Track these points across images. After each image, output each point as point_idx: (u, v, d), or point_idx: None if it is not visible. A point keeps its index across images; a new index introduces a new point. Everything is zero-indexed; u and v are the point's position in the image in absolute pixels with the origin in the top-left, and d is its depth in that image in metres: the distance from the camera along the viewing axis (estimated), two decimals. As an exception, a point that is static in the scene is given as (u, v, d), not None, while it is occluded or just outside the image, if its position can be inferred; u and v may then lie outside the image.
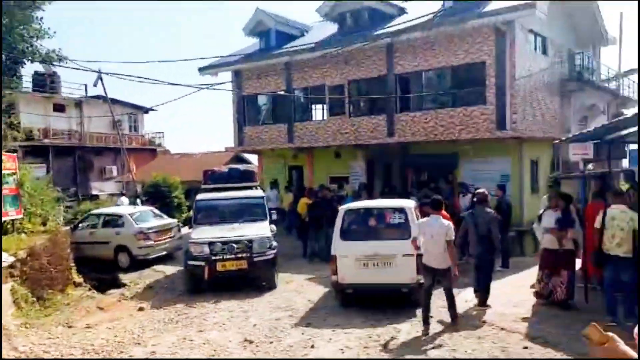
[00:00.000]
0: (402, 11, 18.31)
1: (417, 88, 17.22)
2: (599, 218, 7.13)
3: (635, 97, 24.56)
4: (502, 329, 7.14)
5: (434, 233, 7.11)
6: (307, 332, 7.43)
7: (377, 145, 17.44)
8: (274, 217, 11.46)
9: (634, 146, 17.99)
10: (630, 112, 20.12)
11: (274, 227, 10.86)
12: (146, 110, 35.93)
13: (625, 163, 19.42)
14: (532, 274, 8.89)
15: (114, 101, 25.76)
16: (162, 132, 37.75)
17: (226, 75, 21.48)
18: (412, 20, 14.93)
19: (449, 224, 7.23)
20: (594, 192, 8.61)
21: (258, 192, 11.91)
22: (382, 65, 17.10)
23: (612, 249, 6.92)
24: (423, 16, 14.74)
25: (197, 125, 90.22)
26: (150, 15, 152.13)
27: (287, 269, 11.67)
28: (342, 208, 9.02)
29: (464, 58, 15.48)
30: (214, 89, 11.98)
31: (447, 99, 16.57)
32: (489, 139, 15.04)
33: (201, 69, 20.85)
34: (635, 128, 10.50)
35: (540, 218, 8.16)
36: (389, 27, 16.64)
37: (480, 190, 8.34)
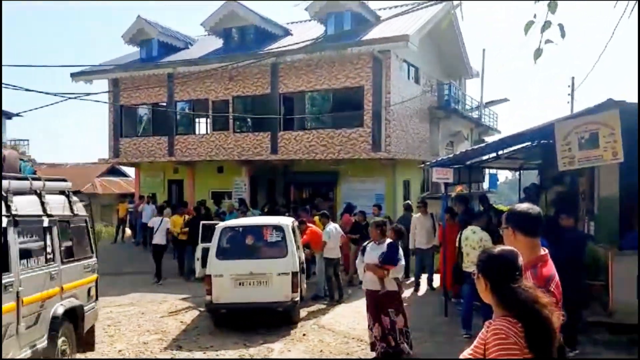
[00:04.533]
0: (287, 32, 18.69)
1: (300, 107, 17.68)
2: (458, 238, 7.73)
3: (495, 126, 27.50)
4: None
5: (332, 235, 10.10)
6: (177, 355, 7.16)
7: (261, 161, 17.52)
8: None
9: (493, 170, 20.15)
10: (489, 139, 22.46)
11: None
12: (9, 116, 32.55)
13: (485, 185, 21.60)
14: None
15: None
16: (28, 140, 34.60)
17: (102, 84, 20.31)
18: (297, 43, 15.31)
19: (337, 226, 10.69)
20: (449, 213, 9.34)
21: None
22: (267, 84, 17.28)
23: (467, 266, 7.60)
24: (307, 41, 15.22)
25: (68, 134, 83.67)
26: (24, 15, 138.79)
27: (161, 289, 11.21)
28: (219, 226, 8.90)
29: (344, 82, 16.19)
30: (83, 99, 11.11)
31: (328, 120, 17.19)
32: (365, 160, 15.83)
33: (74, 75, 19.46)
34: (494, 154, 11.77)
35: (363, 251, 6.69)
36: (274, 47, 16.90)
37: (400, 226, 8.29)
